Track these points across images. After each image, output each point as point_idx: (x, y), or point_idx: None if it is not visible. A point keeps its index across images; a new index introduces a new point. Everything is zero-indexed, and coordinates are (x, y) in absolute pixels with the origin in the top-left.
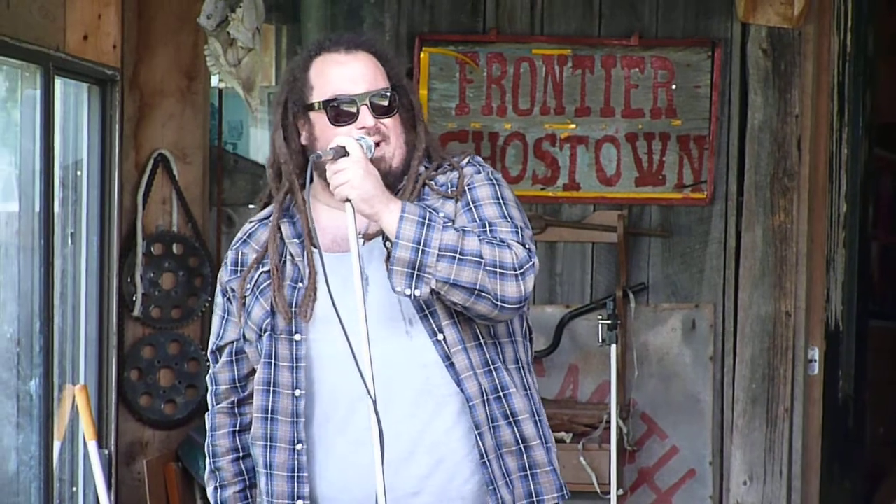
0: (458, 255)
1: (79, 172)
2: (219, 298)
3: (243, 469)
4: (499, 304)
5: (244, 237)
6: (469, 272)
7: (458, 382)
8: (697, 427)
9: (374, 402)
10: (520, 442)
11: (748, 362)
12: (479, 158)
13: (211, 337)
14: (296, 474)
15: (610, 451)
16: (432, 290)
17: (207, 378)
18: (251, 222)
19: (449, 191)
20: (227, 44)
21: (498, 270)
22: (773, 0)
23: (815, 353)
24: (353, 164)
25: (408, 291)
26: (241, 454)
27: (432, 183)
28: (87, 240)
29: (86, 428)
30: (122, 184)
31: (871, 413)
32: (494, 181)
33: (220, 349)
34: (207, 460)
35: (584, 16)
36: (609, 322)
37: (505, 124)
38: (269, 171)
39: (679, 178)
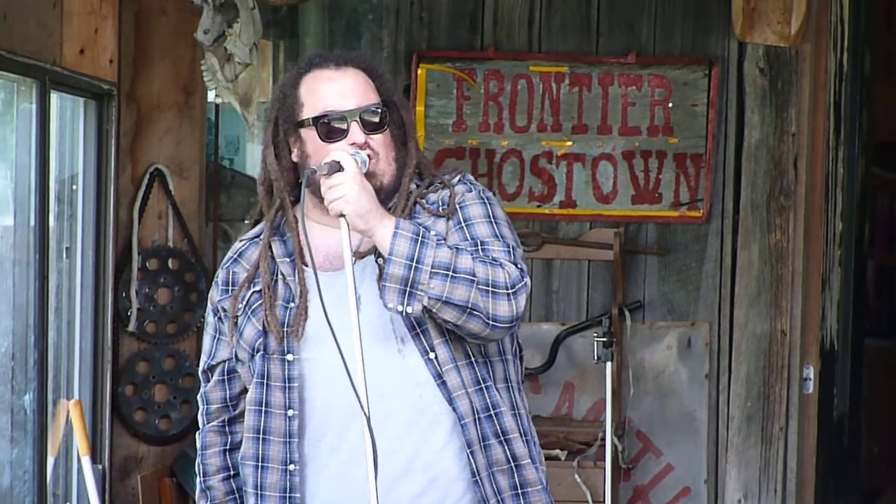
0: (451, 273)
1: (74, 187)
2: (210, 318)
3: (234, 487)
4: (490, 322)
5: (234, 256)
6: (462, 290)
7: (450, 401)
8: (693, 445)
9: (368, 419)
10: (510, 461)
11: (744, 380)
12: (470, 176)
13: (202, 356)
14: (288, 495)
15: (605, 469)
16: (424, 308)
17: (198, 397)
18: (241, 241)
19: (440, 209)
20: (225, 59)
21: (490, 289)
22: (770, 19)
23: (811, 372)
24: (348, 178)
25: (400, 308)
26: (231, 473)
27: (423, 201)
28: (83, 254)
29: (80, 443)
30: (118, 198)
31: (867, 431)
32: (486, 199)
33: (211, 368)
34: (198, 479)
35: (582, 33)
36: (605, 339)
37: (502, 141)
38: (259, 188)
39: (675, 196)
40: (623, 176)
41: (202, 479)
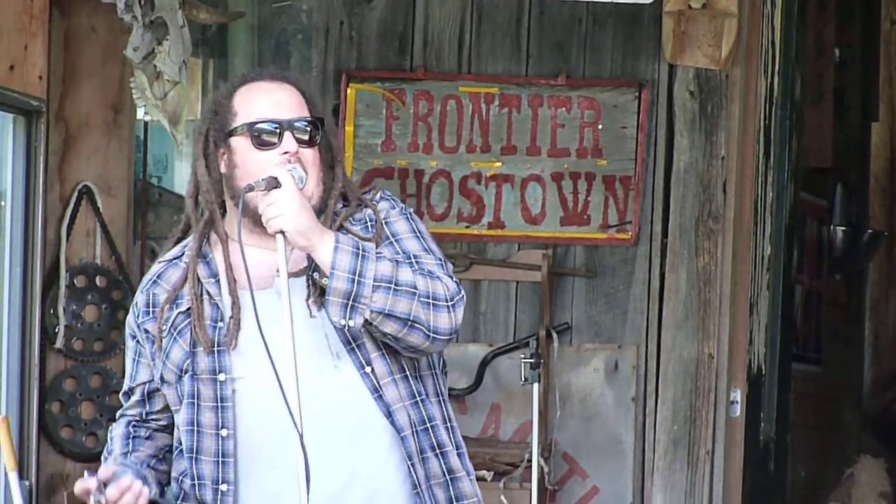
0: (392, 286)
1: (2, 203)
2: (129, 342)
3: (130, 433)
4: (431, 335)
5: (153, 278)
6: (404, 303)
7: (389, 414)
8: (618, 468)
9: (301, 437)
10: (446, 473)
11: (670, 404)
12: (387, 192)
13: (125, 379)
14: None
15: (531, 491)
16: (366, 321)
17: (117, 415)
18: (160, 262)
19: (368, 226)
20: (154, 77)
21: (431, 301)
22: (700, 42)
23: (738, 396)
24: (287, 195)
25: (343, 322)
26: (132, 434)
27: (349, 223)
28: (10, 272)
29: (7, 459)
30: (45, 216)
31: (793, 456)
32: (409, 215)
33: (132, 390)
34: (103, 456)
35: (512, 55)
36: (532, 361)
37: (431, 162)
38: (188, 201)
39: (604, 219)
40: (552, 198)
41: (105, 454)
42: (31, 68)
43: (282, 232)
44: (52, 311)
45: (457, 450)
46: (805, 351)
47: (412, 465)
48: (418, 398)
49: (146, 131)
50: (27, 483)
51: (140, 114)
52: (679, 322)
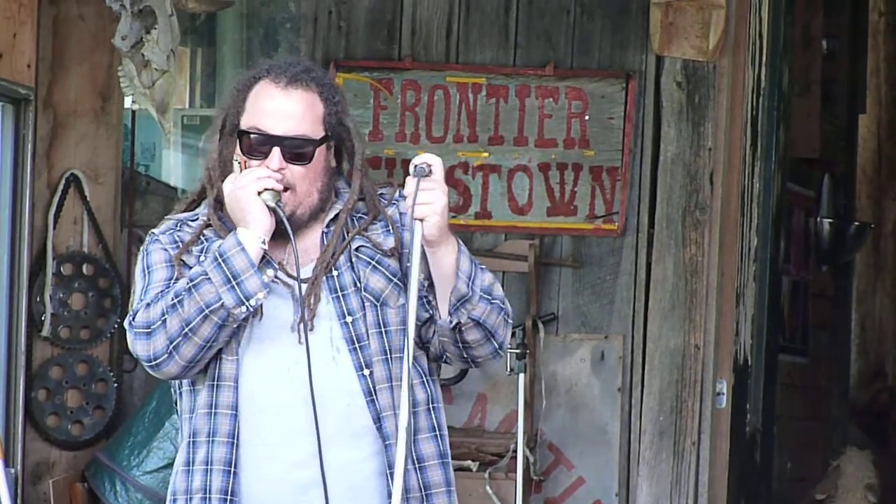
0: (490, 297)
1: None
2: (158, 255)
3: None
4: (499, 350)
5: (175, 226)
6: (494, 316)
7: (378, 420)
8: (604, 458)
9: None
10: (422, 489)
11: (656, 394)
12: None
13: (136, 297)
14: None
15: (516, 481)
16: (458, 324)
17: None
18: (174, 219)
19: (390, 227)
20: (142, 65)
21: (509, 319)
22: (688, 33)
23: (724, 387)
24: (439, 188)
25: (448, 320)
26: None
27: (370, 231)
28: None
29: None
30: (33, 203)
31: (779, 448)
32: None
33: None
34: (139, 321)
35: (500, 45)
36: (518, 351)
37: (418, 152)
38: (203, 171)
39: (591, 209)
40: (539, 188)
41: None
42: (20, 56)
43: (420, 220)
44: (38, 299)
45: (441, 459)
46: (791, 342)
47: (391, 474)
48: (413, 409)
49: (134, 119)
50: (13, 471)
51: (128, 102)
52: (665, 312)
